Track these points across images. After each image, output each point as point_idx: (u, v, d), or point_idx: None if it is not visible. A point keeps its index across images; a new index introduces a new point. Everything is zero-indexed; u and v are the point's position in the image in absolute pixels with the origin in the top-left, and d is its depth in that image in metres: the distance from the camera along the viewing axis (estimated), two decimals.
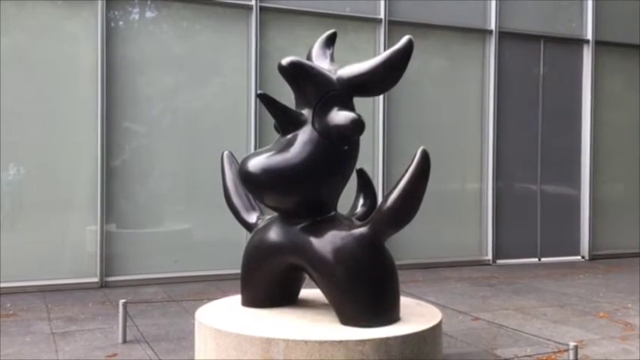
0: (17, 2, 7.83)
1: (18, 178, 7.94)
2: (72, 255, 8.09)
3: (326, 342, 4.01)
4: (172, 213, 8.82)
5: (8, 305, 6.96)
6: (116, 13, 8.36)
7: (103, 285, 8.05)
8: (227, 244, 8.44)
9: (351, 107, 4.59)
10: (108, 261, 8.13)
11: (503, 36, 10.26)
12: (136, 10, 8.56)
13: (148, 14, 8.66)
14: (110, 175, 8.19)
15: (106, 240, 8.13)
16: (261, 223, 4.92)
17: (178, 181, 8.74)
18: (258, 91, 4.40)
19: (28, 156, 7.96)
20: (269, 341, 4.06)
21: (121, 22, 8.44)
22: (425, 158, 4.25)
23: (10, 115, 7.77)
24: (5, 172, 7.85)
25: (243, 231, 5.55)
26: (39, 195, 8.01)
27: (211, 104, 8.88)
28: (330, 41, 4.99)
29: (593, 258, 10.71)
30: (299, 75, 4.52)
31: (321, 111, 4.48)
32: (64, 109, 8.07)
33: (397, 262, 4.62)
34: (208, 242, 8.71)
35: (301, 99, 4.63)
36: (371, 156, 9.40)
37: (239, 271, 5.00)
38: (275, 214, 4.81)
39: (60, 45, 8.08)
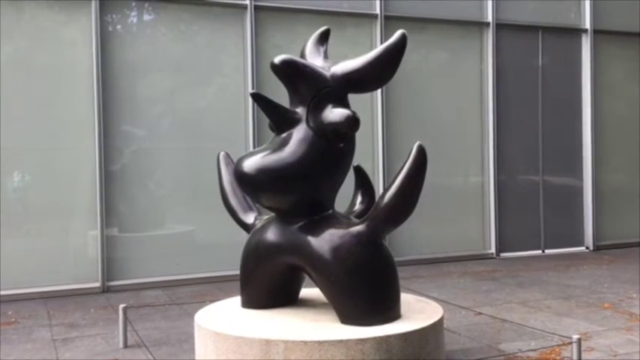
0: (15, 7, 7.80)
1: (21, 185, 7.91)
2: (73, 260, 8.06)
3: (326, 342, 3.97)
4: (173, 215, 8.78)
5: (10, 313, 6.93)
6: (113, 16, 8.32)
7: (105, 290, 8.02)
8: (228, 246, 8.39)
9: (345, 104, 4.55)
10: (109, 265, 8.11)
11: (501, 28, 10.19)
12: (131, 12, 8.52)
13: (144, 16, 8.62)
14: (110, 179, 8.16)
15: (107, 244, 8.10)
16: (258, 224, 4.88)
17: (178, 183, 8.71)
18: (251, 91, 4.36)
19: (26, 161, 7.93)
20: (268, 342, 4.02)
21: (118, 26, 8.40)
22: (421, 153, 4.20)
23: (8, 120, 7.74)
24: (7, 178, 7.81)
25: (244, 232, 5.51)
26: (38, 201, 7.99)
27: (209, 105, 8.84)
28: (324, 38, 4.94)
29: (597, 248, 10.65)
30: (292, 73, 4.47)
31: (316, 109, 4.44)
32: (61, 113, 8.03)
33: (399, 258, 4.60)
34: (210, 244, 8.68)
35: (295, 97, 4.59)
36: (370, 152, 9.34)
37: None
38: (272, 214, 4.78)
39: (57, 49, 8.05)
